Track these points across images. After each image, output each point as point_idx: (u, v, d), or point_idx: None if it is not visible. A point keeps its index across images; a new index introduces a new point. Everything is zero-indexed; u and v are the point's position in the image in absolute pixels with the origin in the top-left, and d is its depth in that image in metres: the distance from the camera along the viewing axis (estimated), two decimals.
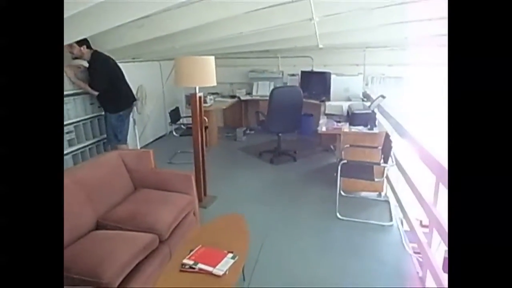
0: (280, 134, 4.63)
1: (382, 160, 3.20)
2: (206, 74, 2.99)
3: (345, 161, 2.94)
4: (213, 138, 5.33)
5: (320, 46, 5.09)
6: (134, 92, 4.37)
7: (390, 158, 2.87)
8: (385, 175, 3.01)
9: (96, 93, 3.53)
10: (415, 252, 2.65)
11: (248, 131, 6.07)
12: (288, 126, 4.48)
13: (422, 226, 4.35)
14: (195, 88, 3.08)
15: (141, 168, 2.75)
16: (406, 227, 2.99)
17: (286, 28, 4.35)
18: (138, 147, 4.64)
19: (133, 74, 4.84)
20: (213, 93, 5.82)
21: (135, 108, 4.42)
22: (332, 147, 4.91)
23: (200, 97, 3.15)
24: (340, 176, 2.99)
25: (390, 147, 2.84)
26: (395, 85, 5.81)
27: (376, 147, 3.26)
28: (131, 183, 2.66)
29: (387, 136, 3.12)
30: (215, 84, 3.08)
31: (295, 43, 5.35)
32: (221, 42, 4.82)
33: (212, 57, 3.04)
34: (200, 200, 3.28)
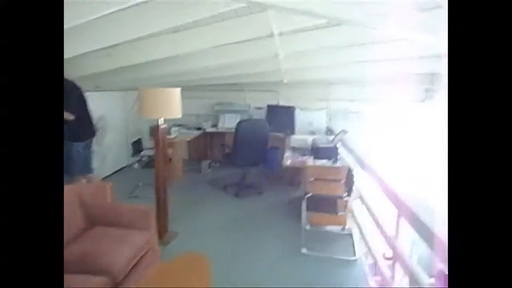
0: (245, 167, 4.59)
1: (345, 194, 3.25)
2: (171, 106, 2.94)
3: (309, 194, 2.95)
4: (177, 170, 5.19)
5: (285, 81, 5.26)
6: (95, 122, 4.21)
7: (352, 192, 2.91)
8: (348, 209, 3.04)
9: (73, 117, 3.36)
10: (380, 286, 2.64)
11: (213, 164, 5.98)
12: (254, 159, 4.47)
13: (386, 258, 4.39)
14: (159, 120, 3.01)
15: (97, 204, 2.58)
16: (370, 260, 3.00)
17: (252, 63, 4.47)
18: None
19: (95, 104, 4.67)
20: (178, 125, 5.73)
21: (94, 139, 4.23)
22: (297, 180, 4.94)
23: (164, 129, 3.08)
24: (306, 210, 2.98)
25: (352, 181, 2.89)
26: (357, 120, 6.06)
27: (340, 181, 3.31)
28: (85, 220, 2.47)
29: (349, 170, 3.19)
30: (180, 116, 3.04)
31: (261, 77, 5.49)
32: (187, 74, 4.85)
33: (178, 89, 3.02)
34: (160, 236, 3.11)
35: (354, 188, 2.92)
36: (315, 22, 3.34)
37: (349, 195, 2.92)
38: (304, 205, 2.95)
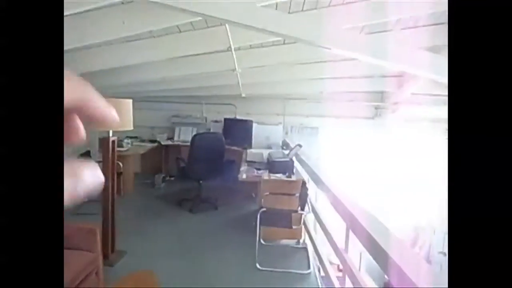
0: (201, 181, 4.50)
1: (299, 207, 3.29)
2: (122, 117, 2.81)
3: (264, 209, 2.94)
4: (128, 185, 4.94)
5: (243, 95, 5.30)
6: None
7: (306, 205, 2.95)
8: (302, 222, 3.07)
9: None
10: None
11: (168, 178, 5.79)
12: (209, 173, 4.40)
13: (339, 270, 4.49)
14: (109, 132, 2.86)
15: None
16: (323, 272, 3.05)
17: (210, 76, 4.46)
18: None
19: None
20: (131, 137, 5.50)
21: None
22: (253, 194, 4.92)
23: (113, 141, 2.93)
24: (260, 224, 2.96)
25: (306, 194, 2.94)
26: (311, 135, 6.26)
27: (294, 195, 3.35)
28: None
29: (303, 183, 3.24)
30: (131, 128, 2.91)
31: (219, 91, 5.50)
32: (143, 85, 4.71)
33: (130, 101, 2.90)
34: (106, 257, 2.91)
35: (308, 201, 2.96)
36: (272, 38, 3.43)
37: (303, 209, 2.95)
38: (258, 219, 2.93)
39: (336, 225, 2.69)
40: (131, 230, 3.60)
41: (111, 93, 4.16)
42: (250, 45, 3.81)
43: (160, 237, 3.60)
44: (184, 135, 5.97)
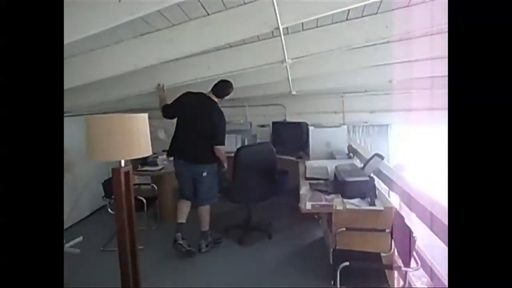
0: (250, 205, 3.62)
1: (392, 250, 2.28)
2: (135, 140, 1.99)
3: (347, 263, 1.95)
4: (167, 209, 4.22)
5: (293, 92, 4.35)
6: None
7: (412, 256, 1.91)
8: (406, 283, 2.02)
9: None
10: None
11: None
12: (260, 194, 3.50)
13: None
14: (120, 161, 2.06)
15: None
16: None
17: (254, 73, 3.55)
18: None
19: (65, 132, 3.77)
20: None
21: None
22: (316, 216, 3.94)
23: (127, 173, 2.12)
24: (340, 285, 1.98)
25: (412, 239, 1.90)
26: (380, 134, 5.10)
27: (384, 230, 2.32)
28: None
29: (398, 216, 2.20)
30: (149, 153, 2.09)
31: (265, 90, 4.59)
32: (173, 90, 3.91)
33: (145, 115, 2.07)
34: None
35: (414, 249, 1.92)
36: (333, 11, 2.40)
37: (406, 262, 1.92)
38: (338, 278, 1.96)
39: None
40: (170, 272, 2.84)
41: (132, 104, 3.42)
42: (303, 25, 2.85)
43: (206, 282, 2.79)
44: (227, 145, 5.11)
